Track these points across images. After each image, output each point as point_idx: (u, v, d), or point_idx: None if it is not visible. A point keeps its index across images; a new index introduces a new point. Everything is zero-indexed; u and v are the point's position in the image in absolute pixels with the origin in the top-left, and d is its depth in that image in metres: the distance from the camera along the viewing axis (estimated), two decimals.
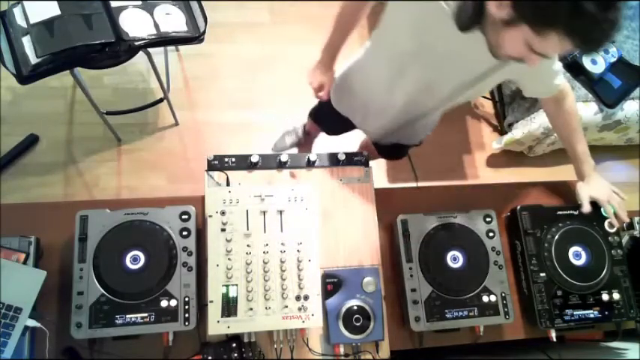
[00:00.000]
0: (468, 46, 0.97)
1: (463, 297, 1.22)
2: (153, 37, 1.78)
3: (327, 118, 1.63)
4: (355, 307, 1.16)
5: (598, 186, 1.36)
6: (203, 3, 1.93)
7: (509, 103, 2.59)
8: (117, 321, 1.07)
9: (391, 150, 1.62)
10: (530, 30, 0.82)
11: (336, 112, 1.57)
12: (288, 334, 1.14)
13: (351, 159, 1.33)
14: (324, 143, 2.45)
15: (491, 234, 1.28)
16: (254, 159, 1.27)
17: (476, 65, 1.08)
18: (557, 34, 0.80)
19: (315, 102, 1.70)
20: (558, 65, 1.16)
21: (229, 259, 1.09)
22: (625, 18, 2.47)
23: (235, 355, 1.10)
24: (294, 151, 2.37)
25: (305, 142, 2.41)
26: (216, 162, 1.27)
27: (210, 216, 1.11)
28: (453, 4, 0.93)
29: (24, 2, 1.72)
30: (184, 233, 1.15)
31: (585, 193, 1.34)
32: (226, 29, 2.65)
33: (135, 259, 1.12)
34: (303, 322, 1.08)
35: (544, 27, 0.80)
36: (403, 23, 1.08)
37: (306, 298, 1.09)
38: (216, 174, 1.25)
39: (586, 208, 1.32)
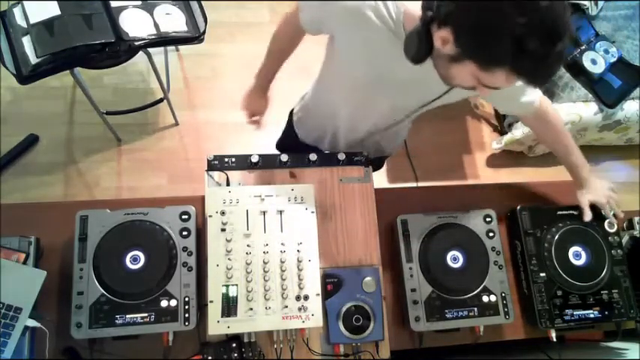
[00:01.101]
0: (428, 70, 0.95)
1: (463, 297, 1.22)
2: (153, 37, 1.78)
3: (293, 147, 1.56)
4: (355, 307, 1.16)
5: (596, 189, 1.35)
6: (203, 3, 1.93)
7: None
8: (117, 321, 1.07)
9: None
10: (477, 67, 0.80)
11: (303, 143, 1.54)
12: (288, 334, 1.14)
13: (351, 159, 1.32)
14: None
15: (491, 234, 1.28)
16: (254, 159, 1.27)
17: (438, 87, 1.05)
18: (503, 71, 0.78)
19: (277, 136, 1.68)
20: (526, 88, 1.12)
21: (229, 259, 1.09)
22: (625, 18, 2.47)
23: (235, 355, 1.10)
24: None
25: None
26: (216, 162, 1.27)
27: (210, 216, 1.11)
28: (396, 26, 0.92)
29: (24, 2, 1.73)
30: (184, 233, 1.15)
31: (585, 199, 1.33)
32: (226, 29, 2.65)
33: (135, 259, 1.12)
34: (303, 322, 1.08)
35: (489, 65, 0.79)
36: (356, 57, 1.05)
37: (306, 298, 1.09)
38: (216, 174, 1.25)
39: (587, 216, 1.31)
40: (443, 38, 0.82)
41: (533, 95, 1.16)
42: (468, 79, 0.86)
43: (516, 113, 1.25)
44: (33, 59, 1.67)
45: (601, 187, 1.36)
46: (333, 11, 0.98)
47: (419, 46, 0.86)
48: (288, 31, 1.23)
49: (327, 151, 1.50)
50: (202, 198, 1.24)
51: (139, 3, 1.82)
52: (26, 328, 1.07)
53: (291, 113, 1.57)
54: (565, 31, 0.74)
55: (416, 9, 0.87)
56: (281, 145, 1.71)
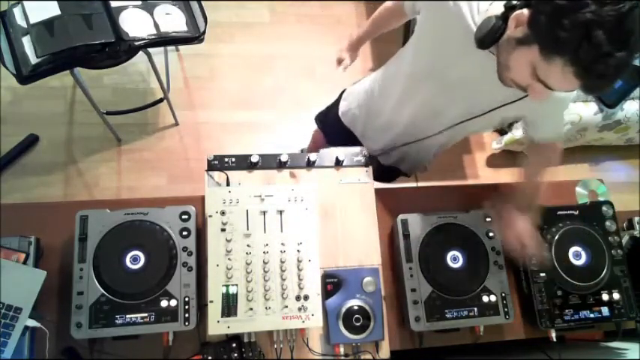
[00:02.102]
0: (480, 77, 1.00)
1: (463, 297, 1.22)
2: (153, 37, 1.78)
3: (332, 125, 1.65)
4: (355, 307, 1.16)
5: (524, 229, 1.18)
6: (203, 3, 1.93)
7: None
8: (117, 321, 1.07)
9: (383, 171, 1.60)
10: (539, 52, 0.83)
11: (340, 121, 1.59)
12: (288, 334, 1.14)
13: (351, 159, 1.33)
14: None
15: (491, 234, 1.28)
16: (254, 159, 1.27)
17: (485, 98, 1.10)
18: (562, 59, 0.80)
19: (323, 107, 1.73)
20: (564, 121, 1.16)
21: (229, 259, 1.09)
22: None
23: (235, 355, 1.10)
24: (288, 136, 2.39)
25: None
26: (216, 162, 1.27)
27: (210, 216, 1.11)
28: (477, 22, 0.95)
29: (24, 2, 1.72)
30: (184, 233, 1.15)
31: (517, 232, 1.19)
32: (226, 29, 2.65)
33: (135, 259, 1.12)
34: (303, 322, 1.08)
35: (552, 50, 0.81)
36: (425, 44, 1.11)
37: (306, 298, 1.09)
38: (216, 174, 1.25)
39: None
40: (518, 19, 0.85)
41: (557, 134, 1.24)
42: (525, 69, 0.88)
43: (547, 136, 1.24)
44: (33, 59, 1.67)
45: (529, 231, 1.18)
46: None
47: (493, 25, 0.89)
48: (391, 11, 1.32)
49: (358, 140, 1.57)
50: (202, 198, 1.24)
51: (139, 3, 1.82)
52: (26, 328, 1.07)
53: (343, 91, 1.64)
54: (635, 42, 0.77)
55: (500, 10, 0.91)
56: (320, 116, 1.76)
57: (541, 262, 1.25)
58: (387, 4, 1.32)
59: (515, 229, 1.18)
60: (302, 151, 2.18)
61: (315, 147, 1.94)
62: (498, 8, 0.92)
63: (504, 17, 0.89)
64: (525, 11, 0.85)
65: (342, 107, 1.59)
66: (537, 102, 0.95)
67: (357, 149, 1.34)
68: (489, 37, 0.91)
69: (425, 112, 1.25)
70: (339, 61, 1.56)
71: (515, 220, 1.19)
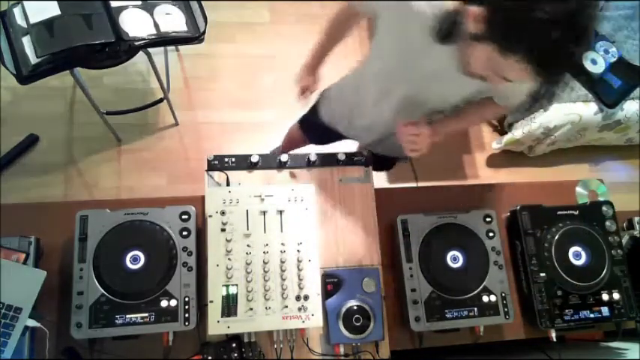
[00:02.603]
0: (451, 68, 1.00)
1: (463, 297, 1.22)
2: (153, 37, 1.78)
3: (314, 127, 1.64)
4: (355, 307, 1.16)
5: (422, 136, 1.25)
6: (203, 3, 1.93)
7: None
8: (117, 321, 1.07)
9: (379, 160, 1.60)
10: (495, 48, 0.84)
11: (323, 122, 1.58)
12: (288, 334, 1.14)
13: (351, 159, 1.33)
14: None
15: (491, 234, 1.28)
16: (254, 159, 1.27)
17: (460, 87, 1.10)
18: (517, 56, 0.81)
19: (304, 111, 1.70)
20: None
21: (229, 259, 1.09)
22: (625, 18, 2.46)
23: (235, 355, 1.10)
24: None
25: None
26: (216, 162, 1.27)
27: (210, 216, 1.11)
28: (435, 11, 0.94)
29: (24, 2, 1.72)
30: (184, 233, 1.15)
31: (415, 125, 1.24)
32: (226, 29, 2.65)
33: (135, 259, 1.12)
34: (303, 322, 1.08)
35: (508, 47, 0.82)
36: (390, 43, 1.10)
37: (306, 298, 1.09)
38: (216, 174, 1.25)
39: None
40: (475, 15, 0.85)
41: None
42: (482, 63, 0.89)
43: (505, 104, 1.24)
44: (33, 59, 1.67)
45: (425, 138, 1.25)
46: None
47: (450, 21, 0.89)
48: (343, 15, 1.27)
49: (343, 135, 1.55)
50: (202, 198, 1.24)
51: (139, 3, 1.82)
52: (26, 328, 1.07)
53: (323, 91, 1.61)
54: (588, 38, 0.78)
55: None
56: (302, 119, 1.74)
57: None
58: (336, 12, 1.28)
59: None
60: (275, 151, 2.17)
61: (290, 146, 1.95)
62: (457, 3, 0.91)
63: (460, 12, 0.89)
64: (481, 7, 0.84)
65: (324, 108, 1.56)
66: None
67: (357, 150, 1.34)
68: (446, 32, 0.91)
69: (404, 107, 1.23)
70: (303, 90, 1.47)
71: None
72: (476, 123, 1.29)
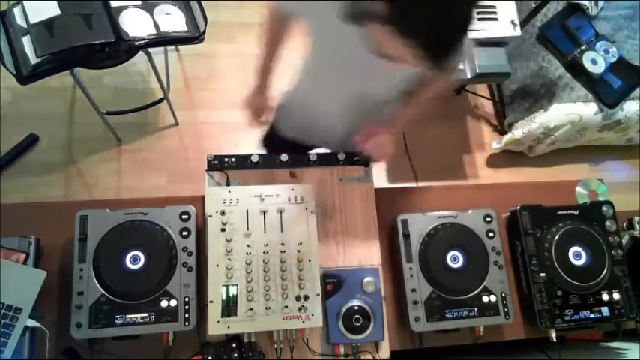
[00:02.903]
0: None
1: (463, 297, 1.22)
2: (153, 37, 1.78)
3: (278, 144, 1.56)
4: (355, 307, 1.16)
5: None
6: (203, 3, 1.93)
7: (509, 103, 2.59)
8: (117, 321, 1.07)
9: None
10: (388, 31, 0.81)
11: (284, 138, 1.53)
12: (288, 334, 1.14)
13: (351, 159, 1.33)
14: None
15: (491, 234, 1.28)
16: (254, 159, 1.27)
17: (400, 71, 1.07)
18: (405, 38, 0.79)
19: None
20: None
21: (229, 259, 1.09)
22: (625, 18, 2.47)
23: (235, 355, 1.10)
24: None
25: None
26: (216, 162, 1.27)
27: (210, 216, 1.11)
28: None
29: (24, 2, 1.72)
30: (184, 233, 1.15)
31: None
32: (226, 29, 2.65)
33: (135, 259, 1.12)
34: (303, 322, 1.08)
35: (397, 31, 0.79)
36: (320, 40, 1.09)
37: (306, 298, 1.09)
38: (216, 174, 1.25)
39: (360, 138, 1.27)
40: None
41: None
42: (379, 43, 0.86)
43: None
44: (33, 59, 1.67)
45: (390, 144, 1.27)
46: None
47: (353, 6, 0.86)
48: (273, 25, 1.26)
49: (309, 145, 1.52)
50: (202, 198, 1.24)
51: (139, 3, 1.82)
52: (26, 328, 1.07)
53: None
54: (468, 24, 0.78)
55: None
56: (266, 141, 1.69)
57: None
58: (264, 26, 1.28)
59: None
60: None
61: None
62: None
63: None
64: None
65: (283, 123, 1.52)
66: None
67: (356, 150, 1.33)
68: (344, 15, 0.88)
69: (356, 102, 1.21)
70: (257, 113, 1.42)
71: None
72: (429, 100, 1.25)
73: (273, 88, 1.42)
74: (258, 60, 1.35)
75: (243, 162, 1.28)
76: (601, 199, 1.49)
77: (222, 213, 1.11)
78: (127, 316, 1.08)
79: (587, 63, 2.28)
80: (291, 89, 1.40)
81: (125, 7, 1.79)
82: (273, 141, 1.63)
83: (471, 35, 1.12)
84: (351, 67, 1.09)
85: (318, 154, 1.31)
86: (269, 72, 1.38)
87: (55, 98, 2.42)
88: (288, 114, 1.47)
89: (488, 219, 1.29)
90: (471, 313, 1.21)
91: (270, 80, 1.39)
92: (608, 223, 1.35)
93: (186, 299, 1.10)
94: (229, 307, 1.06)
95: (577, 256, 1.29)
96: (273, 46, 1.33)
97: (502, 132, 2.67)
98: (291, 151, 1.50)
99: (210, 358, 1.10)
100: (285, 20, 1.23)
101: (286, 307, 1.08)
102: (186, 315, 1.10)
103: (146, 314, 1.08)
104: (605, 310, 1.28)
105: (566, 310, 1.26)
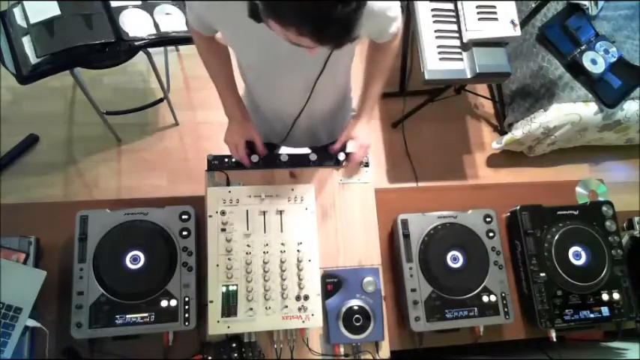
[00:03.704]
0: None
1: (463, 297, 1.22)
2: (153, 37, 1.78)
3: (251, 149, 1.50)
4: (355, 307, 1.16)
5: (362, 133, 1.30)
6: None
7: (509, 103, 2.59)
8: (117, 321, 1.07)
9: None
10: (280, 24, 0.80)
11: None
12: (288, 334, 1.14)
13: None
14: None
15: (491, 234, 1.28)
16: (254, 159, 1.27)
17: (308, 56, 1.02)
18: (294, 30, 0.78)
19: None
20: (393, 14, 1.09)
21: (229, 259, 1.09)
22: (625, 18, 2.47)
23: (235, 355, 1.10)
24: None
25: None
26: (216, 162, 1.27)
27: (210, 216, 1.11)
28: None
29: (24, 2, 1.72)
30: (184, 233, 1.15)
31: (347, 131, 1.30)
32: None
33: (135, 259, 1.12)
34: (303, 322, 1.08)
35: (283, 23, 0.79)
36: (240, 41, 1.07)
37: (306, 298, 1.09)
38: (216, 174, 1.25)
39: (336, 146, 1.30)
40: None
41: (395, 27, 1.15)
42: (284, 36, 0.85)
43: (375, 38, 1.21)
44: (33, 59, 1.67)
45: (366, 134, 1.31)
46: (201, 7, 1.01)
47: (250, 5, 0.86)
48: (200, 46, 1.21)
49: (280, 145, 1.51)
50: (202, 198, 1.24)
51: (139, 3, 1.82)
52: (26, 328, 1.07)
53: None
54: None
55: None
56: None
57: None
58: (199, 52, 1.22)
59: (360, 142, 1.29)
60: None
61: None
62: None
63: None
64: None
65: None
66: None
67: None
68: (253, 12, 0.86)
69: (292, 88, 1.18)
70: (247, 158, 1.27)
71: (350, 131, 1.30)
72: (386, 74, 1.25)
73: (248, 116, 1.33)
74: (221, 98, 1.28)
75: None
76: (601, 199, 1.49)
77: (222, 213, 1.11)
78: (127, 316, 1.08)
79: (587, 63, 2.27)
80: (243, 95, 1.37)
81: (125, 7, 1.79)
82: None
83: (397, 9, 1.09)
84: (288, 61, 1.07)
85: (318, 154, 1.31)
86: (238, 102, 1.30)
87: (55, 98, 2.42)
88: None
89: (488, 219, 1.29)
90: (470, 313, 1.21)
91: (242, 109, 1.31)
92: (608, 223, 1.35)
93: (186, 299, 1.10)
94: (229, 307, 1.06)
95: (577, 256, 1.29)
96: (218, 72, 1.27)
97: (502, 132, 2.67)
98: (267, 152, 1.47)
99: (210, 358, 1.10)
100: (210, 41, 1.19)
101: (286, 307, 1.08)
102: (186, 315, 1.10)
103: (146, 314, 1.08)
104: (605, 310, 1.28)
105: (566, 310, 1.26)
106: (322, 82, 1.12)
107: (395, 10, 1.09)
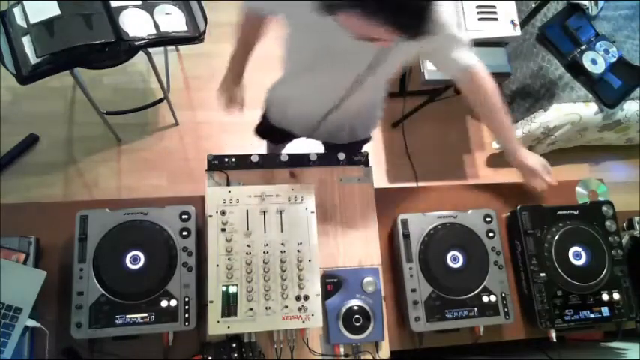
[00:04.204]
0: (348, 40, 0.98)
1: (463, 297, 1.22)
2: (153, 37, 1.78)
3: (269, 132, 1.66)
4: (355, 307, 1.16)
5: (533, 157, 1.34)
6: (203, 3, 1.93)
7: (509, 103, 2.59)
8: (117, 321, 1.07)
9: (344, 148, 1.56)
10: (357, 15, 0.83)
11: (272, 125, 1.59)
12: (288, 334, 1.14)
13: (351, 159, 1.33)
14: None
15: (491, 234, 1.28)
16: (254, 159, 1.27)
17: (363, 57, 1.09)
18: (372, 18, 0.82)
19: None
20: (466, 50, 1.15)
21: (229, 259, 1.09)
22: (625, 18, 2.47)
23: (235, 355, 1.10)
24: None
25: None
26: (216, 162, 1.27)
27: (210, 216, 1.11)
28: None
29: (24, 2, 1.72)
30: (184, 233, 1.15)
31: (526, 162, 1.33)
32: (226, 29, 2.63)
33: (135, 259, 1.12)
34: (303, 322, 1.08)
35: (363, 13, 0.82)
36: (300, 34, 1.12)
37: (306, 298, 1.09)
38: (216, 174, 1.25)
39: (529, 180, 1.35)
40: None
41: (469, 60, 1.20)
42: (357, 29, 0.88)
43: (453, 74, 1.24)
44: (33, 59, 1.67)
45: (536, 156, 1.36)
46: None
47: None
48: (245, 21, 1.32)
49: (302, 137, 1.57)
50: (202, 198, 1.24)
51: (139, 3, 1.82)
52: (26, 328, 1.07)
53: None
54: None
55: None
56: (258, 130, 1.74)
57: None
58: (240, 18, 1.32)
59: (529, 170, 1.33)
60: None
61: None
62: None
63: None
64: None
65: (272, 114, 1.56)
66: (423, 42, 0.94)
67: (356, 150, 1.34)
68: (317, 8, 0.89)
69: (320, 81, 1.23)
70: (229, 101, 1.47)
71: (525, 164, 1.33)
72: (499, 108, 1.30)
73: (245, 80, 1.50)
74: (233, 50, 1.42)
75: (243, 162, 1.28)
76: (601, 199, 1.49)
77: (222, 213, 1.11)
78: (127, 316, 1.08)
79: (587, 63, 2.28)
80: (276, 82, 1.44)
81: (125, 7, 1.79)
82: (264, 130, 1.69)
83: (469, 34, 1.15)
84: (331, 59, 1.11)
85: (318, 154, 1.31)
86: (242, 65, 1.46)
87: (55, 98, 2.42)
88: (275, 106, 1.51)
89: (488, 219, 1.29)
90: (470, 313, 1.21)
91: (242, 72, 1.48)
92: (608, 223, 1.35)
93: (186, 299, 1.10)
94: (229, 307, 1.06)
95: (577, 256, 1.29)
96: (246, 42, 1.39)
97: None
98: (281, 138, 1.59)
99: (210, 358, 1.10)
100: (258, 20, 1.27)
101: (286, 307, 1.08)
102: (186, 315, 1.10)
103: (146, 314, 1.08)
104: (605, 310, 1.28)
105: (566, 310, 1.26)
106: (364, 84, 1.17)
107: (464, 37, 1.15)
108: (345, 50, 1.07)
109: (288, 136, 1.63)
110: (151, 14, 1.81)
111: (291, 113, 1.47)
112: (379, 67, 1.12)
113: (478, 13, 1.97)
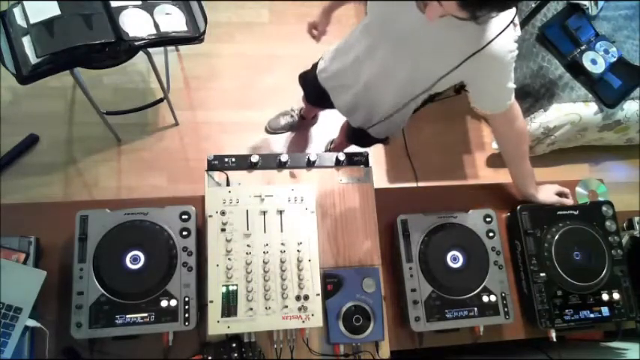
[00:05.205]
0: (422, 35, 1.05)
1: (463, 297, 1.22)
2: (153, 37, 1.77)
3: (309, 84, 1.71)
4: (355, 307, 1.16)
5: (551, 189, 1.42)
6: (203, 3, 1.93)
7: None
8: (117, 321, 1.07)
9: (356, 133, 1.64)
10: None
11: (316, 79, 1.63)
12: (288, 334, 1.14)
13: (351, 159, 1.33)
14: (321, 137, 2.47)
15: (491, 234, 1.28)
16: (254, 159, 1.27)
17: (428, 63, 1.13)
18: None
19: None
20: (511, 85, 1.14)
21: (229, 259, 1.09)
22: (625, 18, 2.47)
23: (235, 355, 1.10)
24: (287, 135, 2.49)
25: (299, 126, 2.47)
26: (216, 162, 1.27)
27: (210, 216, 1.11)
28: None
29: (24, 2, 1.72)
30: (184, 233, 1.15)
31: (551, 197, 1.40)
32: (226, 29, 2.64)
33: (135, 259, 1.12)
34: (303, 322, 1.08)
35: None
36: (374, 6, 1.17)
37: (306, 298, 1.09)
38: (216, 174, 1.25)
39: (568, 201, 1.41)
40: None
41: (512, 98, 1.19)
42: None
43: (489, 108, 1.23)
44: (33, 59, 1.67)
45: (552, 187, 1.43)
46: None
47: None
48: None
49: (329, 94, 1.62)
50: (202, 198, 1.24)
51: (139, 3, 1.82)
52: (26, 328, 1.07)
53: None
54: None
55: None
56: (302, 77, 1.81)
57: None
58: None
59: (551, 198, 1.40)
60: (331, 143, 2.38)
61: (339, 141, 2.03)
62: None
63: None
64: None
65: (319, 66, 1.62)
66: (476, 67, 1.03)
67: (356, 150, 1.34)
68: None
69: (379, 72, 1.28)
70: (312, 28, 1.59)
71: (545, 197, 1.39)
72: (524, 153, 1.44)
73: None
74: None
75: (243, 162, 1.28)
76: (601, 199, 1.49)
77: (222, 213, 1.11)
78: (127, 316, 1.08)
79: (587, 63, 2.27)
80: (341, 45, 1.48)
81: (125, 7, 1.79)
82: (307, 81, 1.76)
83: None
84: (390, 30, 1.15)
85: (318, 154, 1.31)
86: (339, 3, 1.59)
87: (55, 98, 2.42)
88: (330, 66, 1.55)
89: (488, 219, 1.29)
90: (470, 313, 1.21)
91: (336, 8, 1.59)
92: (608, 223, 1.35)
93: (186, 299, 1.10)
94: (229, 307, 1.06)
95: (577, 256, 1.29)
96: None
97: None
98: (317, 95, 1.65)
99: (210, 358, 1.10)
100: None
101: (286, 307, 1.08)
102: (186, 315, 1.10)
103: (146, 314, 1.08)
104: (605, 310, 1.28)
105: (566, 310, 1.26)
106: (407, 86, 1.23)
107: (511, 85, 1.15)
108: (411, 42, 1.11)
109: (320, 96, 1.66)
110: (151, 14, 1.81)
111: (337, 79, 1.51)
112: (434, 88, 1.18)
113: None
